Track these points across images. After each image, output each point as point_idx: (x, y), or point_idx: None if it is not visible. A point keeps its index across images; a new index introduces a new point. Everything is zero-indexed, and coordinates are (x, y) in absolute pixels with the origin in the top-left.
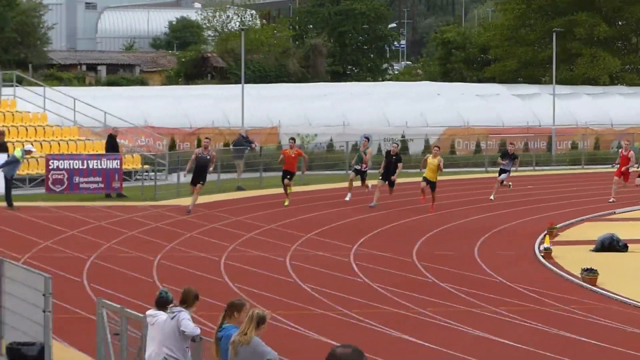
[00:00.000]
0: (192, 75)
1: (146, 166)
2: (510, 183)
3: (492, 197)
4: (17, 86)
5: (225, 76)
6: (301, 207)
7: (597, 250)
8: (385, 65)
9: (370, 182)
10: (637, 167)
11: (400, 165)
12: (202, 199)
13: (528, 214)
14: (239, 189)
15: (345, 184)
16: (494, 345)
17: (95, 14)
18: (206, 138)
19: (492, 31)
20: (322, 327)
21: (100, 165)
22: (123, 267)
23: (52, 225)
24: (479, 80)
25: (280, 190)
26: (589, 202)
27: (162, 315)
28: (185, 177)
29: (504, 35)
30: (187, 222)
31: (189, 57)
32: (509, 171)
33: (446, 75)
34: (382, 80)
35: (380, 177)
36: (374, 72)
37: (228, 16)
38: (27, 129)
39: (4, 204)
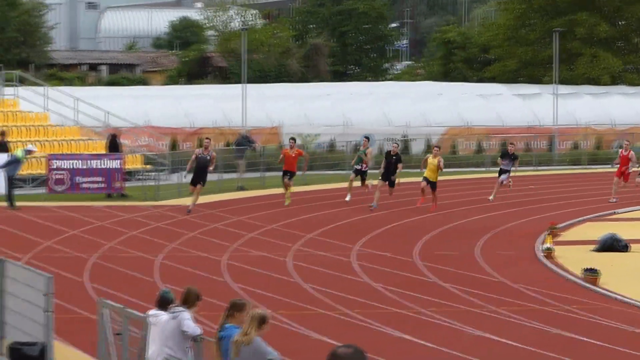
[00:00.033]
0: (194, 75)
1: (147, 166)
2: (510, 182)
3: (491, 198)
4: (18, 86)
5: (226, 76)
6: (302, 207)
7: (598, 250)
8: (386, 65)
9: (370, 182)
10: (638, 167)
11: (400, 165)
12: (204, 199)
13: (529, 214)
14: (241, 188)
15: (346, 184)
16: (495, 345)
17: (96, 14)
18: (206, 138)
19: (493, 31)
20: (323, 327)
21: (102, 165)
22: (124, 267)
23: (53, 225)
24: (480, 80)
25: (282, 190)
26: (590, 202)
27: (163, 315)
28: (186, 178)
29: (504, 35)
30: (189, 222)
31: (190, 57)
32: (508, 171)
33: (447, 75)
34: (383, 80)
35: (380, 178)
36: (375, 72)
37: (229, 16)
38: (28, 129)
39: (6, 203)
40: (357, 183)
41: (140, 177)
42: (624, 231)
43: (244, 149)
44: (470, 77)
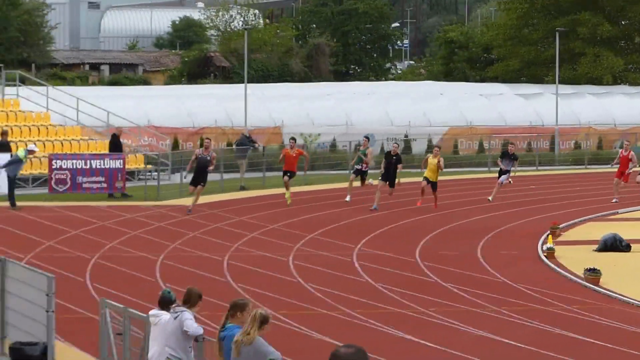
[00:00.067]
0: (195, 74)
1: (149, 166)
2: (510, 181)
3: (490, 199)
4: (20, 86)
5: (228, 76)
6: (304, 207)
7: (600, 250)
8: (388, 65)
9: (371, 182)
10: (638, 167)
11: (400, 166)
12: (205, 199)
13: (531, 213)
14: (242, 188)
15: (347, 184)
16: (496, 345)
17: (98, 14)
18: (207, 138)
19: (495, 31)
20: (325, 327)
21: (104, 165)
22: (126, 267)
23: (55, 225)
24: (482, 80)
25: (283, 190)
26: (591, 202)
27: (165, 315)
28: (186, 178)
29: (506, 35)
30: (190, 221)
31: (192, 57)
32: (508, 171)
33: (449, 74)
34: (385, 80)
35: (380, 178)
36: (377, 72)
37: (231, 15)
38: (30, 129)
39: (7, 203)
40: (357, 183)
41: (142, 177)
42: (626, 231)
43: (245, 149)
44: (472, 77)
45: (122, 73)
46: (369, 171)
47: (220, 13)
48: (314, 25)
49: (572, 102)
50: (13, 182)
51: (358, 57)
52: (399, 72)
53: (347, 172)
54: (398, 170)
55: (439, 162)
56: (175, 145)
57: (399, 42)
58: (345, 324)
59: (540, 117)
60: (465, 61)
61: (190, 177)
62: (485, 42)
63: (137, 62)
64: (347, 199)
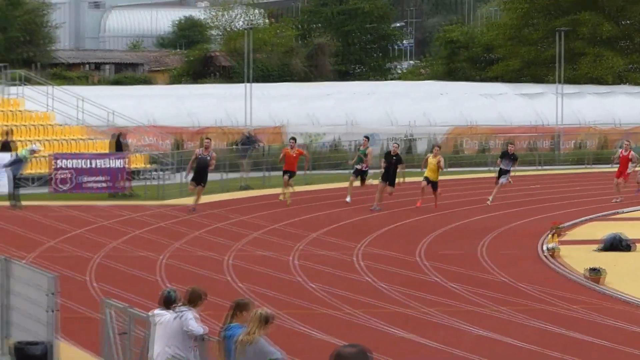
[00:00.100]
0: (198, 74)
1: (151, 165)
2: (510, 180)
3: (489, 200)
4: (23, 85)
5: (230, 75)
6: (306, 206)
7: (602, 249)
8: (390, 65)
9: (371, 182)
10: (637, 167)
11: (400, 166)
12: (208, 198)
13: (533, 213)
14: (244, 188)
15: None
16: (498, 344)
17: (100, 13)
18: (207, 138)
19: (496, 30)
20: (327, 326)
21: (106, 164)
22: (128, 267)
23: (57, 225)
24: (484, 80)
25: (289, 189)
26: (593, 202)
27: (167, 315)
28: (186, 179)
29: (508, 35)
30: (193, 221)
31: (194, 57)
32: (508, 171)
33: (451, 74)
34: (387, 80)
35: (381, 179)
36: (378, 72)
37: (233, 15)
38: (33, 128)
39: (10, 202)
40: (357, 183)
41: (145, 176)
42: (628, 231)
43: (247, 149)
44: (474, 77)
45: (125, 73)
46: (370, 171)
47: (223, 13)
48: (316, 25)
49: (574, 101)
50: (16, 182)
51: (359, 57)
52: (401, 71)
53: (349, 172)
54: (399, 170)
55: (439, 161)
56: (177, 144)
57: (400, 42)
58: (348, 324)
59: (542, 116)
60: (466, 61)
61: (190, 178)
62: (487, 42)
63: (139, 61)
64: (348, 199)
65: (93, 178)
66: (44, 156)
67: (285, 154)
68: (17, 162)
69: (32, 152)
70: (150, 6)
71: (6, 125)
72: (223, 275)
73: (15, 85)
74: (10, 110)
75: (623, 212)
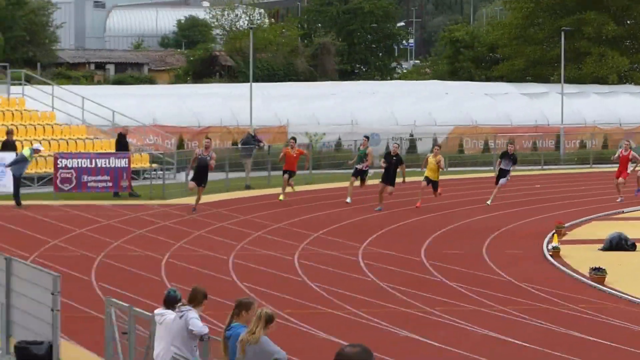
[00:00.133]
0: (201, 74)
1: (154, 165)
2: (508, 177)
3: (489, 202)
4: (25, 85)
5: (233, 75)
6: (309, 206)
7: (605, 249)
8: (393, 64)
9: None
10: (637, 167)
11: (401, 166)
12: (211, 198)
13: (536, 213)
14: (247, 187)
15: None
16: (501, 344)
17: (103, 13)
18: (207, 138)
19: (500, 30)
20: (330, 326)
21: (109, 164)
22: (131, 266)
23: (60, 224)
24: (487, 79)
25: (288, 189)
26: (596, 201)
27: (170, 314)
28: (189, 176)
29: (512, 34)
30: (195, 220)
31: (197, 56)
32: (508, 171)
33: (454, 74)
34: (391, 79)
35: (381, 180)
36: (382, 71)
37: (236, 15)
38: (35, 128)
39: (13, 202)
40: (358, 183)
41: (147, 176)
42: (631, 230)
43: (250, 148)
44: (478, 76)
45: (128, 72)
46: (370, 171)
47: (226, 12)
48: (319, 25)
49: (578, 101)
50: (18, 181)
51: (363, 57)
52: (404, 71)
53: (351, 171)
54: (399, 170)
55: (439, 161)
56: (180, 144)
57: (404, 41)
58: (350, 323)
59: (545, 116)
60: (470, 60)
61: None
62: (491, 41)
63: (142, 61)
64: (348, 200)
65: (95, 178)
66: (46, 156)
67: (285, 153)
68: (20, 162)
69: (35, 151)
70: (153, 6)
71: (9, 125)
72: (225, 274)
73: (17, 84)
74: (13, 110)
75: (623, 212)
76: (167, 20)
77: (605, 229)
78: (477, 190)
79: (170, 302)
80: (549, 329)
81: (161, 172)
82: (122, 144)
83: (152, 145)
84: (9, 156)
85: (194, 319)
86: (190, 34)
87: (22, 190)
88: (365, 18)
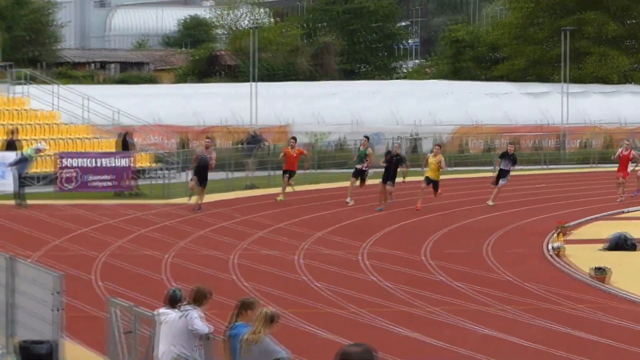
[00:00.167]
0: (203, 73)
1: (157, 164)
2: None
3: (489, 203)
4: (28, 84)
5: (235, 74)
6: (311, 205)
7: (607, 249)
8: (395, 64)
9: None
10: (637, 167)
11: (403, 165)
12: (213, 197)
13: (538, 212)
14: (250, 187)
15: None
16: (503, 343)
17: (106, 12)
18: (207, 138)
19: (501, 30)
20: (332, 325)
21: (111, 163)
22: (134, 265)
23: (63, 224)
24: (489, 79)
25: (288, 189)
26: (599, 201)
27: (172, 314)
28: (189, 178)
29: (513, 34)
30: (198, 220)
31: (199, 56)
32: (508, 172)
33: (456, 73)
34: (392, 79)
35: (381, 180)
36: (384, 71)
37: (239, 14)
38: (38, 127)
39: (15, 201)
40: (358, 183)
41: (150, 175)
42: (634, 230)
43: (253, 148)
44: (479, 76)
45: (130, 72)
46: (370, 171)
47: (228, 12)
48: (321, 24)
49: (580, 101)
50: (21, 180)
51: (365, 56)
52: (406, 71)
53: (352, 171)
54: (399, 170)
55: (439, 161)
56: (182, 143)
57: (406, 41)
58: (352, 323)
59: (547, 116)
60: (472, 60)
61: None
62: (492, 41)
63: (145, 60)
64: (348, 200)
65: (98, 177)
66: (49, 155)
67: (285, 153)
68: (23, 161)
69: (38, 151)
70: (156, 5)
71: (12, 124)
72: (228, 274)
73: (20, 84)
74: (16, 109)
75: (623, 213)
76: (169, 19)
77: (607, 229)
78: (480, 190)
79: (173, 302)
80: (552, 328)
81: (164, 172)
82: (125, 144)
83: (154, 144)
84: (12, 155)
85: (197, 318)
86: (192, 33)
87: (25, 190)
88: (367, 18)
